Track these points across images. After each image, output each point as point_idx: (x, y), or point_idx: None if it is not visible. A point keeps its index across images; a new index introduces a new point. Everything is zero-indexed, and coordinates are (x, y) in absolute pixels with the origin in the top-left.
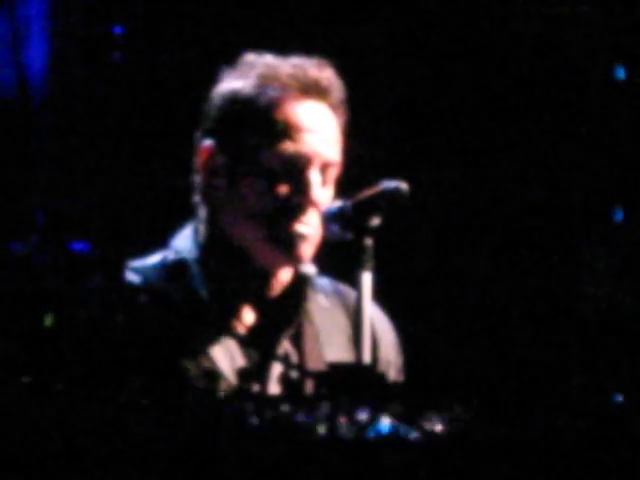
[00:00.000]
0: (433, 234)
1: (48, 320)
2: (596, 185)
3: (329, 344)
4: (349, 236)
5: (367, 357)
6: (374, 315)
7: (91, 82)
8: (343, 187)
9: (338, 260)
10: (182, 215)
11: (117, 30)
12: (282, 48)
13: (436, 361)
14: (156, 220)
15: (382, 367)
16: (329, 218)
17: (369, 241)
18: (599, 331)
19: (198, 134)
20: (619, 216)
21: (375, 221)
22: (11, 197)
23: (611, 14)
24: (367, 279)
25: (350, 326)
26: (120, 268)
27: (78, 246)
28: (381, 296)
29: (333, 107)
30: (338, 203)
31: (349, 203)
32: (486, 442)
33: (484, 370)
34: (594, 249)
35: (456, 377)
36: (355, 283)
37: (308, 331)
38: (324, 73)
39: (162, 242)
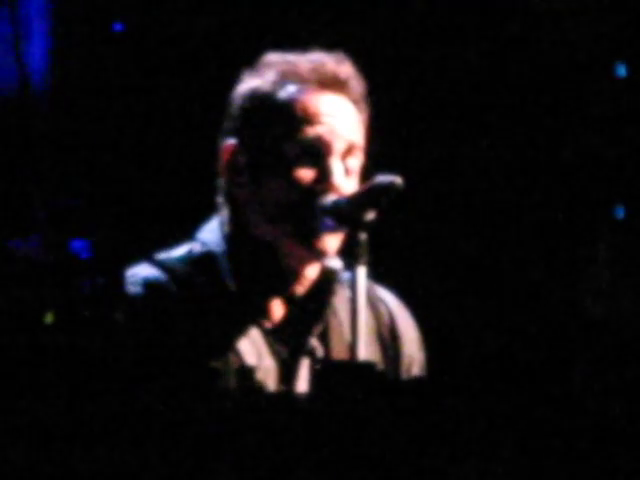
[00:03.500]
0: (431, 238)
1: (48, 318)
2: (597, 182)
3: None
4: (343, 230)
5: (363, 351)
6: (396, 311)
7: (92, 79)
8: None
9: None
10: (185, 213)
11: (117, 27)
12: (292, 46)
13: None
14: (159, 218)
15: (405, 364)
16: (323, 212)
17: (364, 235)
18: (600, 331)
19: (220, 136)
20: (620, 213)
21: (370, 215)
22: (11, 195)
23: (612, 11)
24: (362, 273)
25: (374, 324)
26: (120, 267)
27: (78, 244)
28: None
29: (354, 101)
30: (332, 197)
31: (344, 197)
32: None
33: (482, 369)
34: (595, 247)
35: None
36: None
37: (334, 326)
38: (343, 67)
39: (166, 242)
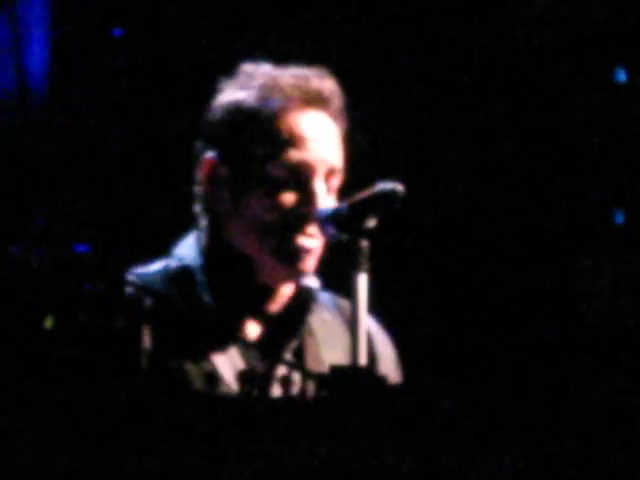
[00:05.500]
0: (432, 237)
1: (49, 322)
2: (597, 188)
3: (330, 359)
4: (344, 237)
5: (363, 360)
6: (373, 330)
7: (92, 84)
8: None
9: (334, 262)
10: (184, 220)
11: (117, 32)
12: (279, 54)
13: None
14: (158, 224)
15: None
16: (324, 219)
17: (365, 243)
18: (599, 335)
19: (199, 145)
20: (620, 219)
21: (371, 222)
22: (11, 200)
23: (612, 15)
24: (362, 281)
25: (349, 340)
26: (121, 271)
27: (79, 249)
28: (379, 299)
29: (334, 116)
30: (334, 204)
31: (345, 204)
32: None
33: (480, 372)
34: (595, 252)
35: (452, 377)
36: (350, 285)
37: (309, 344)
38: (326, 83)
39: (164, 247)
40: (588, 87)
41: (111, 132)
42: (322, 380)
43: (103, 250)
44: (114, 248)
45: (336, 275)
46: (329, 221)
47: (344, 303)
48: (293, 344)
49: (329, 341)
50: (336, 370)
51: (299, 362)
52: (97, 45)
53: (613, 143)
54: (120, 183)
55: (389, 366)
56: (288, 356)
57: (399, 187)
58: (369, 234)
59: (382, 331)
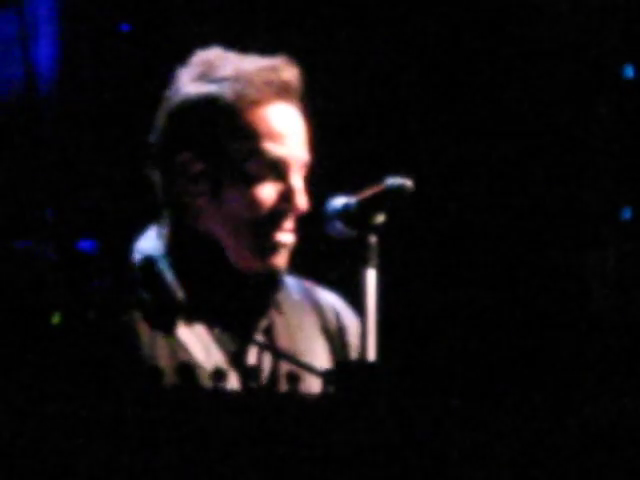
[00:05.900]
0: (437, 232)
1: (56, 318)
2: (604, 184)
3: (301, 336)
4: (353, 233)
5: (372, 354)
6: (340, 309)
7: (99, 80)
8: (344, 184)
9: (342, 257)
10: None
11: (125, 27)
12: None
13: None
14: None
15: (352, 352)
16: (333, 215)
17: (373, 238)
18: (608, 332)
19: (162, 136)
20: (627, 215)
21: (379, 218)
22: (19, 195)
23: (620, 12)
24: (371, 276)
25: (319, 319)
26: (127, 267)
27: (84, 245)
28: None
29: (299, 107)
30: (342, 200)
31: (353, 200)
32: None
33: (488, 371)
34: (602, 248)
35: (458, 376)
36: (359, 280)
37: (279, 323)
38: (294, 74)
39: None
40: (596, 83)
41: (119, 127)
42: (328, 375)
43: (110, 246)
44: (121, 244)
45: (346, 271)
46: (338, 217)
47: (310, 285)
48: (263, 323)
49: (298, 320)
50: (343, 365)
51: (270, 341)
52: (104, 40)
53: (621, 139)
54: (127, 176)
55: (357, 335)
56: (259, 336)
57: (408, 183)
58: (378, 230)
59: (348, 308)
